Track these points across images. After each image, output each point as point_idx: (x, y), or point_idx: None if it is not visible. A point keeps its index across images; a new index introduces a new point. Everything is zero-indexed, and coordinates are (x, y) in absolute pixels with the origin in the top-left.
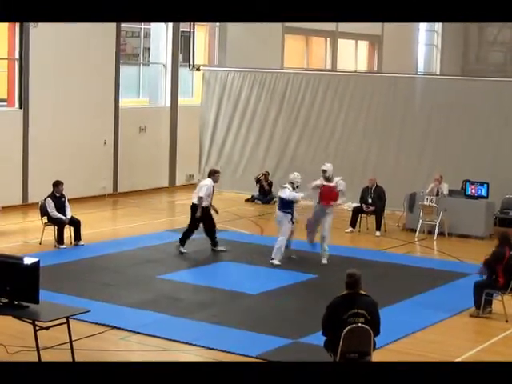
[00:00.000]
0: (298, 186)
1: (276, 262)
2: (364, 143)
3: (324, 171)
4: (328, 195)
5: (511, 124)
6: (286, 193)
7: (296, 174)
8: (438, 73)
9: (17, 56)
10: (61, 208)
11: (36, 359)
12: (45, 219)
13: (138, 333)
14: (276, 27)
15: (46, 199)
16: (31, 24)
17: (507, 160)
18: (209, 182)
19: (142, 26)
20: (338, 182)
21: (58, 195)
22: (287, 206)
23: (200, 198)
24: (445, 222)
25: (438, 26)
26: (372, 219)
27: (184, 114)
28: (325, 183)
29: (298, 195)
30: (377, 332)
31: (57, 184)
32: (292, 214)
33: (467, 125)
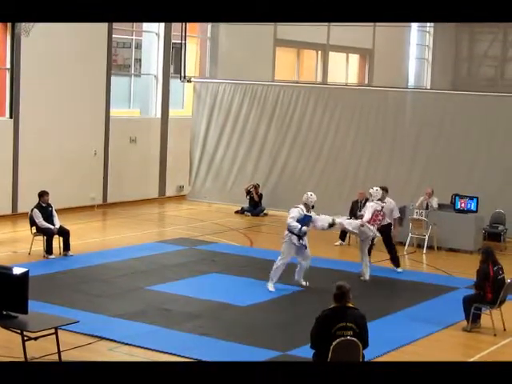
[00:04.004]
0: (313, 206)
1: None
2: (354, 156)
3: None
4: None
5: (501, 138)
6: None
7: (309, 193)
8: (428, 87)
9: (8, 65)
10: (48, 217)
11: None
12: (34, 229)
13: (127, 344)
14: (267, 40)
15: (32, 210)
16: (23, 33)
17: (497, 174)
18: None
19: (134, 36)
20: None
21: (44, 205)
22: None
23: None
24: (434, 235)
25: (428, 40)
26: None
27: (175, 126)
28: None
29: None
30: (365, 345)
31: (42, 194)
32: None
33: (457, 139)
